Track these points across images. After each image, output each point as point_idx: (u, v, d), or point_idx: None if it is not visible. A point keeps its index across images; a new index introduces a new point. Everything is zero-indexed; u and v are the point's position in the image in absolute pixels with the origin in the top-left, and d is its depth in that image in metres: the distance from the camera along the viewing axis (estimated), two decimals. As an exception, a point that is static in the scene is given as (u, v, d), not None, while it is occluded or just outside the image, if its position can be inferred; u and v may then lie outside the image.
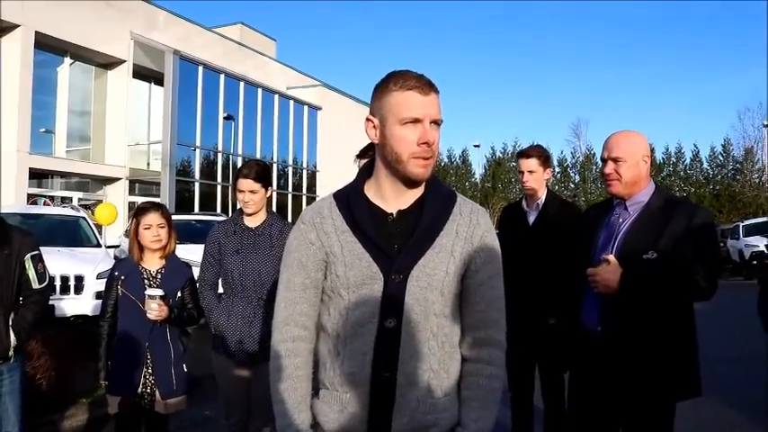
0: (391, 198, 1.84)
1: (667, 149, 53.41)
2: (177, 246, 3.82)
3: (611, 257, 2.70)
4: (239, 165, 22.46)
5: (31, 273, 3.52)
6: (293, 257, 1.87)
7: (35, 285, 3.54)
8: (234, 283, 3.50)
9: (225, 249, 3.55)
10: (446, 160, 59.36)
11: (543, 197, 4.01)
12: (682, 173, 53.37)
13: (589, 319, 2.86)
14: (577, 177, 55.92)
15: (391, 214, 1.82)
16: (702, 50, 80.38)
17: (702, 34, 79.59)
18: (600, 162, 3.10)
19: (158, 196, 19.49)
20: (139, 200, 20.93)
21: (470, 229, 1.83)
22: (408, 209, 1.82)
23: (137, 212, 3.77)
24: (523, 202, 4.14)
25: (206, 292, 3.62)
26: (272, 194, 3.67)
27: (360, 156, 3.43)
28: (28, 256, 3.52)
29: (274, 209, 3.85)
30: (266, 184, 3.57)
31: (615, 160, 2.84)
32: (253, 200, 3.51)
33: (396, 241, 1.78)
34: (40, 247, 3.64)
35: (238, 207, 3.66)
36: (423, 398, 1.77)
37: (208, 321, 3.62)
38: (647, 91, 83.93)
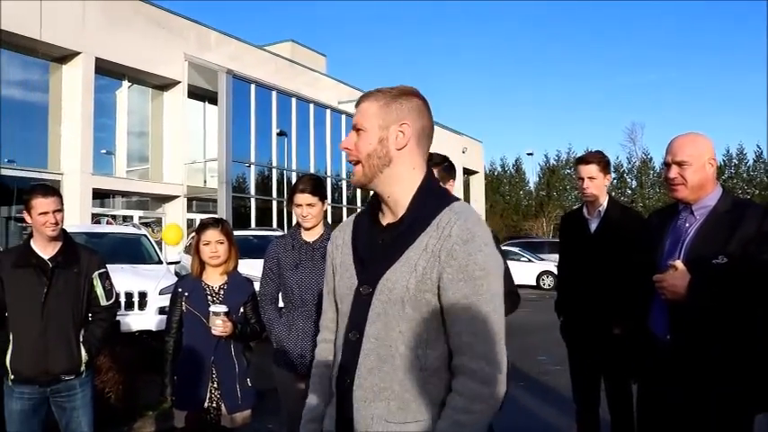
0: (386, 211, 1.84)
1: (728, 151, 52.10)
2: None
3: (679, 263, 2.62)
4: (293, 180, 22.77)
5: (100, 290, 3.62)
6: (326, 268, 2.01)
7: (103, 302, 3.64)
8: (294, 298, 3.51)
9: (284, 264, 3.56)
10: (500, 169, 58.97)
11: (605, 204, 3.93)
12: (744, 174, 51.92)
13: (657, 326, 2.79)
14: (634, 183, 54.88)
15: (382, 228, 1.83)
16: (762, 49, 78.17)
17: (761, 33, 77.40)
18: (660, 166, 3.03)
19: (215, 213, 19.80)
20: (197, 217, 21.33)
21: (440, 242, 1.69)
22: (395, 222, 1.80)
23: (198, 228, 3.83)
24: (584, 210, 4.06)
25: (267, 307, 3.64)
26: (327, 208, 3.69)
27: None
28: (96, 273, 3.62)
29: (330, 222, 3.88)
30: (322, 197, 3.59)
31: (680, 164, 2.76)
32: (311, 213, 3.53)
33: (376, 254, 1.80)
34: (106, 265, 3.74)
35: (295, 222, 3.69)
36: (379, 417, 1.71)
37: (269, 336, 3.65)
38: (704, 92, 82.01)
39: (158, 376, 3.79)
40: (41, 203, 3.43)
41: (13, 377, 3.42)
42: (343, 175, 27.33)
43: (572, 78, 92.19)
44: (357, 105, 1.85)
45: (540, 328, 10.88)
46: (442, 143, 29.18)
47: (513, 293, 3.39)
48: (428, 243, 1.70)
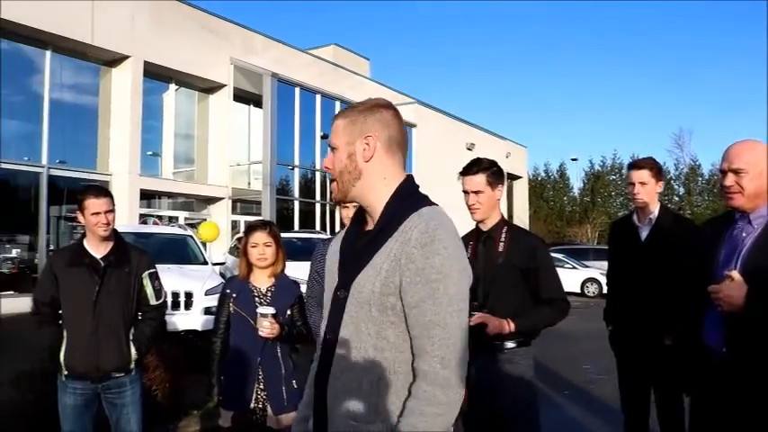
0: (369, 219, 1.91)
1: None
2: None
3: (736, 273, 2.55)
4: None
5: (149, 290, 3.68)
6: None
7: (152, 302, 3.70)
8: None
9: None
10: (543, 174, 58.40)
11: (656, 211, 3.84)
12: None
13: (712, 338, 2.72)
14: (681, 190, 53.79)
15: (363, 234, 1.90)
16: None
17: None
18: (708, 173, 2.96)
19: (259, 215, 19.99)
20: (242, 218, 21.57)
21: (401, 245, 1.73)
22: (373, 228, 1.86)
23: (246, 231, 3.87)
24: (634, 217, 3.98)
25: (313, 309, 3.66)
26: None
27: (463, 173, 3.42)
28: (146, 273, 3.68)
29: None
30: None
31: (736, 172, 2.69)
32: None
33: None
34: (155, 265, 3.80)
35: (339, 224, 3.69)
36: (348, 416, 1.77)
37: (315, 338, 3.65)
38: (755, 98, 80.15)
39: (205, 376, 3.83)
40: (94, 204, 3.50)
41: (66, 373, 3.51)
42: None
43: (618, 82, 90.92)
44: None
45: (584, 336, 10.74)
46: (485, 148, 29.06)
47: (561, 300, 3.35)
48: (393, 247, 1.75)
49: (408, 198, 1.85)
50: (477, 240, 3.43)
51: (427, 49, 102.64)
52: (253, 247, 3.72)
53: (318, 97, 23.17)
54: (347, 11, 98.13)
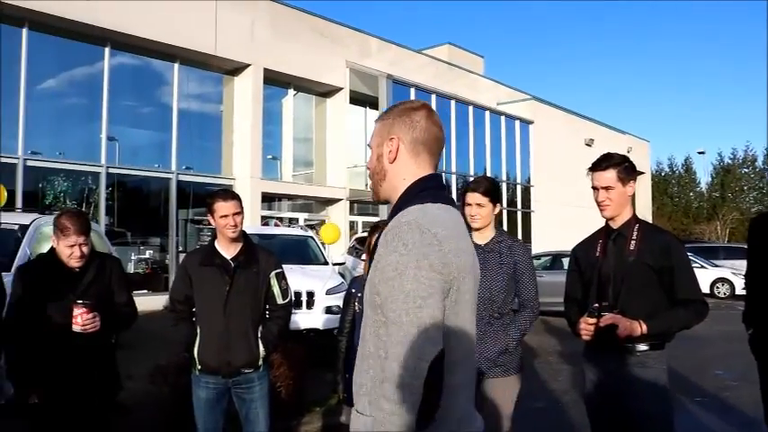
0: None
1: None
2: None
3: None
4: (452, 183, 22.82)
5: (276, 289, 3.79)
6: None
7: (279, 301, 3.80)
8: (464, 301, 3.49)
9: None
10: (667, 169, 55.94)
11: None
12: None
13: None
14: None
15: None
16: None
17: None
18: None
19: (377, 215, 20.26)
20: (359, 219, 21.92)
21: (378, 248, 1.79)
22: None
23: (370, 231, 3.92)
24: None
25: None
26: (500, 212, 3.64)
27: (592, 169, 3.31)
28: (273, 273, 3.79)
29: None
30: (494, 199, 3.55)
31: None
32: (479, 214, 3.50)
33: None
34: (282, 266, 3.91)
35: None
36: (357, 410, 1.82)
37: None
38: None
39: (327, 373, 3.90)
40: (222, 207, 3.65)
41: (199, 367, 3.66)
42: (503, 178, 27.03)
43: (747, 70, 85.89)
44: None
45: (715, 339, 10.21)
46: (605, 143, 28.16)
47: (698, 302, 3.18)
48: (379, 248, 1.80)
49: (410, 197, 1.86)
50: (606, 238, 3.31)
51: (543, 45, 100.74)
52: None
53: (434, 97, 23.18)
54: (461, 10, 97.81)
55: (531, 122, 28.40)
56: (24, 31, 14.61)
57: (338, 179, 21.70)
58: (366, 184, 22.56)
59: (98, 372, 3.59)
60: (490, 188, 3.53)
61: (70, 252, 3.48)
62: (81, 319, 3.33)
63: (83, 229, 3.49)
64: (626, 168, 3.24)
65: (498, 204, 3.60)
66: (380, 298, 1.73)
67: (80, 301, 3.35)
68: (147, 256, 16.93)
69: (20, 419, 3.50)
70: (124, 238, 16.32)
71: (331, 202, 21.75)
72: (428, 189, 1.87)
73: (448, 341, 1.69)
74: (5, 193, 9.44)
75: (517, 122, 27.91)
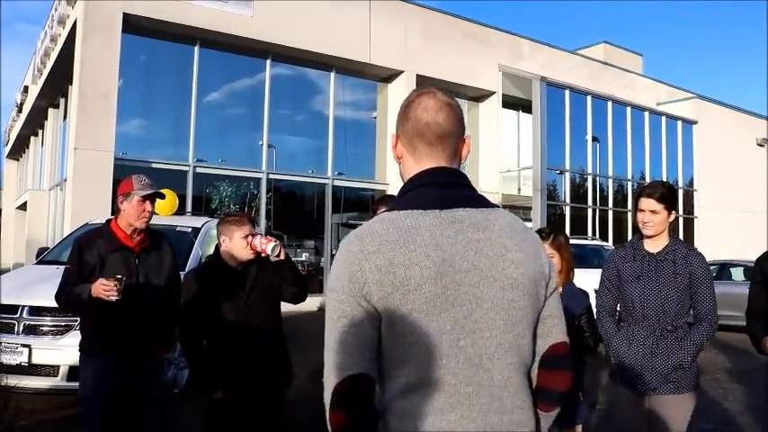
0: None
1: None
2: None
3: None
4: (609, 187, 22.03)
5: None
6: None
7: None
8: (635, 311, 3.32)
9: (624, 275, 3.39)
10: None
11: None
12: None
13: None
14: None
15: None
16: None
17: None
18: None
19: (529, 220, 19.85)
20: (511, 224, 21.57)
21: None
22: None
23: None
24: None
25: (604, 320, 3.49)
26: (676, 219, 3.45)
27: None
28: None
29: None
30: (669, 206, 3.36)
31: None
32: (652, 221, 3.32)
33: None
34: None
35: (634, 233, 3.50)
36: None
37: (606, 350, 3.50)
38: None
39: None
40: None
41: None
42: (663, 179, 25.67)
43: None
44: None
45: None
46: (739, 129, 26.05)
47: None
48: None
49: (396, 200, 1.70)
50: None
51: (702, 42, 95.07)
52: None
53: (589, 99, 22.46)
54: (617, 8, 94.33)
55: (695, 122, 26.80)
56: (196, 48, 15.70)
57: (490, 184, 21.50)
58: (518, 189, 22.26)
59: (274, 365, 3.75)
60: (666, 194, 3.34)
61: (245, 244, 3.63)
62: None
63: (251, 221, 3.75)
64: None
65: (674, 211, 3.40)
66: None
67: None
68: (302, 258, 17.57)
69: (194, 409, 3.69)
70: (281, 240, 16.99)
71: (484, 206, 21.61)
72: (412, 189, 1.67)
73: (402, 360, 1.55)
74: (177, 200, 10.11)
75: (679, 123, 26.41)
